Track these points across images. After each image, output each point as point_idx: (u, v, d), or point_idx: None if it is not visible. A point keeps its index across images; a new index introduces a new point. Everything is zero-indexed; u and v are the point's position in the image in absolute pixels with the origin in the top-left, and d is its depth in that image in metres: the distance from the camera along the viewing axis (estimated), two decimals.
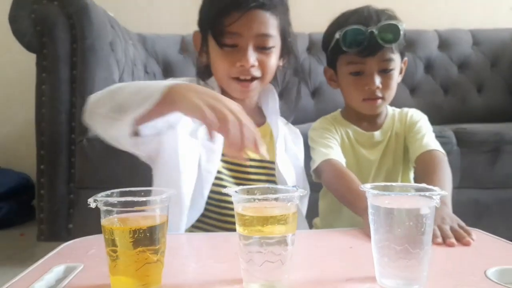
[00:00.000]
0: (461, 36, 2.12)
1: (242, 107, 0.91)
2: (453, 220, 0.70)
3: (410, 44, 1.97)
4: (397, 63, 0.95)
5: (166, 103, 0.63)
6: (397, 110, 1.04)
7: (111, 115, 0.67)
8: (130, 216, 0.48)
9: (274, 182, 0.90)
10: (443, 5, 2.24)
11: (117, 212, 0.48)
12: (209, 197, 0.83)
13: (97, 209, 0.48)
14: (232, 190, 0.50)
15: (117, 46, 1.57)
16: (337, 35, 0.92)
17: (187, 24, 2.22)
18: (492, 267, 0.54)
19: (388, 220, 0.48)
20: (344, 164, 0.92)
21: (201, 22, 0.89)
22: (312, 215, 1.07)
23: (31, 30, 1.39)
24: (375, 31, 0.89)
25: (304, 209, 1.00)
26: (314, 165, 0.93)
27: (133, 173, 1.27)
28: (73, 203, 1.40)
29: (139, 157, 0.79)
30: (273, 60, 0.87)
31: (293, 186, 0.56)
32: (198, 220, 0.84)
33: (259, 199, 0.49)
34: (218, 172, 0.85)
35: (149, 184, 0.57)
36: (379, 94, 0.94)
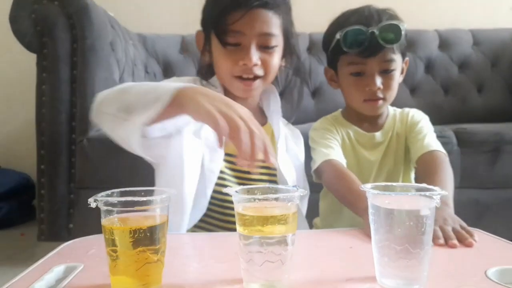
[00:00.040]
0: (461, 36, 2.12)
1: (245, 107, 0.92)
2: (455, 221, 0.69)
3: (410, 44, 1.96)
4: (398, 63, 0.94)
5: (175, 106, 0.62)
6: (398, 110, 1.03)
7: (118, 114, 0.66)
8: (130, 216, 0.48)
9: (275, 182, 0.90)
10: (443, 5, 2.24)
11: (117, 212, 0.48)
12: (211, 197, 0.83)
13: (97, 209, 0.48)
14: (232, 190, 0.50)
15: (117, 46, 1.57)
16: (337, 36, 0.91)
17: (187, 24, 2.22)
18: (493, 267, 0.53)
19: (388, 220, 0.48)
20: (345, 165, 0.91)
21: (204, 21, 0.89)
22: (312, 215, 1.07)
23: (32, 30, 1.39)
24: (376, 31, 0.88)
25: (304, 210, 1.00)
26: (314, 165, 0.93)
27: (133, 173, 1.27)
28: (74, 203, 1.40)
29: (143, 158, 0.78)
30: (276, 59, 0.87)
31: (293, 186, 0.55)
32: (201, 220, 0.84)
33: (259, 199, 0.49)
34: (221, 172, 0.85)
35: (149, 184, 0.56)
36: (380, 95, 0.93)
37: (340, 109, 1.05)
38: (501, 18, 2.23)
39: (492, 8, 2.26)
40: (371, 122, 0.99)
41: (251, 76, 0.85)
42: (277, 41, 0.86)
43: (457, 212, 0.75)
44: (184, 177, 0.79)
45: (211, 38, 0.86)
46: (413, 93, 2.05)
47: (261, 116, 0.97)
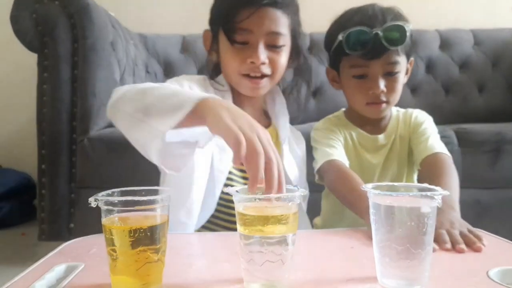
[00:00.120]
0: (462, 36, 2.12)
1: (250, 107, 0.92)
2: (462, 225, 0.68)
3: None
4: (402, 65, 0.91)
5: (195, 116, 0.60)
6: (402, 111, 1.01)
7: (136, 115, 0.65)
8: (131, 216, 0.48)
9: None
10: (444, 5, 2.23)
11: (118, 212, 0.48)
12: (218, 197, 0.83)
13: (98, 208, 0.48)
14: (233, 189, 0.50)
15: (118, 46, 1.57)
16: (340, 37, 0.89)
17: (188, 24, 2.23)
18: (494, 267, 0.53)
19: (389, 220, 0.48)
20: (348, 165, 0.90)
21: (212, 20, 0.89)
22: (312, 215, 1.07)
23: (33, 30, 1.39)
24: (380, 33, 0.85)
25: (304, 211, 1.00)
26: (316, 165, 0.92)
27: (134, 173, 1.27)
28: (74, 203, 1.40)
29: (144, 158, 0.77)
30: (283, 58, 0.87)
31: (294, 186, 0.55)
32: (207, 221, 0.84)
33: (260, 199, 0.49)
34: (229, 172, 0.84)
35: (150, 183, 0.56)
36: (384, 98, 0.91)
37: (343, 109, 1.03)
38: (501, 18, 2.23)
39: (493, 8, 2.25)
40: (374, 124, 0.98)
41: (258, 74, 0.85)
42: (285, 41, 0.86)
43: None
44: (193, 178, 0.79)
45: (219, 37, 0.87)
46: (414, 93, 2.05)
47: (265, 118, 0.97)
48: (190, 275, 0.54)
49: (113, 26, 1.58)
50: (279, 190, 0.54)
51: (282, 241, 0.47)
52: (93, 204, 0.47)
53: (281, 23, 0.84)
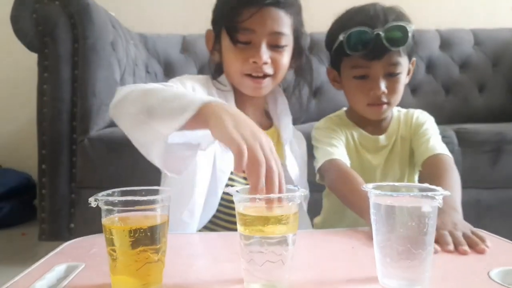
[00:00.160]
0: (462, 36, 2.12)
1: (251, 108, 0.92)
2: (465, 226, 0.67)
3: None
4: (404, 66, 0.90)
5: (199, 120, 0.59)
6: (403, 111, 1.00)
7: (139, 116, 0.65)
8: (131, 216, 0.48)
9: None
10: (444, 5, 2.23)
11: (118, 212, 0.48)
12: (221, 198, 0.83)
13: (98, 208, 0.48)
14: (233, 189, 0.50)
15: (118, 46, 1.57)
16: (340, 37, 0.88)
17: (188, 24, 2.23)
18: (496, 268, 0.53)
19: (390, 220, 0.48)
20: (349, 165, 0.89)
21: (215, 19, 0.89)
22: (313, 215, 1.06)
23: (33, 30, 1.39)
24: (382, 33, 0.84)
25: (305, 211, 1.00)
26: (317, 164, 0.91)
27: (134, 172, 1.27)
28: (75, 203, 1.40)
29: (144, 157, 0.76)
30: (286, 58, 0.87)
31: (294, 186, 0.55)
32: (208, 221, 0.84)
33: (260, 199, 0.49)
34: (231, 172, 0.84)
35: (151, 183, 0.56)
36: (385, 100, 0.90)
37: (344, 108, 1.03)
38: (502, 18, 2.23)
39: (493, 8, 2.25)
40: (375, 124, 0.97)
41: (260, 74, 0.84)
42: (288, 41, 0.86)
43: None
44: (196, 178, 0.79)
45: (221, 37, 0.87)
46: (414, 93, 2.05)
47: (267, 119, 0.97)
48: (190, 275, 0.54)
49: (113, 26, 1.58)
50: (279, 200, 0.53)
51: (283, 241, 0.47)
52: (93, 204, 0.47)
53: (284, 23, 0.84)
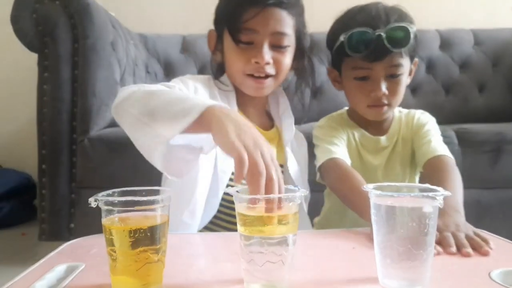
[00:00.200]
0: (462, 36, 2.12)
1: (253, 108, 0.92)
2: (467, 228, 0.66)
3: None
4: (406, 67, 0.89)
5: (201, 124, 0.59)
6: (404, 112, 0.99)
7: (141, 118, 0.64)
8: (131, 216, 0.48)
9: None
10: (444, 5, 2.23)
11: (118, 212, 0.48)
12: (222, 199, 0.83)
13: (98, 208, 0.48)
14: (233, 190, 0.50)
15: (118, 46, 1.57)
16: (341, 38, 0.87)
17: (188, 24, 2.23)
18: (497, 268, 0.53)
19: (390, 221, 0.48)
20: (349, 164, 0.88)
21: (217, 19, 0.89)
22: (313, 215, 1.06)
23: (33, 30, 1.39)
24: (383, 34, 0.83)
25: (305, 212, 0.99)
26: (318, 163, 0.90)
27: (134, 173, 1.27)
28: (75, 203, 1.40)
29: (144, 158, 0.76)
30: (288, 59, 0.87)
31: (295, 186, 0.55)
32: (210, 222, 0.84)
33: (260, 199, 0.49)
34: (232, 173, 0.84)
35: (151, 183, 0.56)
36: (385, 101, 0.89)
37: (346, 108, 1.02)
38: (502, 18, 2.23)
39: (493, 8, 2.25)
40: (376, 125, 0.95)
41: (262, 74, 0.84)
42: (290, 41, 0.86)
43: None
44: (197, 178, 0.79)
45: (224, 37, 0.86)
46: (414, 93, 2.05)
47: (268, 120, 0.97)
48: (191, 275, 0.54)
49: (113, 26, 1.58)
50: (279, 209, 0.53)
51: (283, 242, 0.47)
52: (93, 204, 0.47)
53: (286, 23, 0.84)
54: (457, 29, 2.13)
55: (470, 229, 0.66)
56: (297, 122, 1.01)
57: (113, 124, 1.48)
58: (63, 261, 0.57)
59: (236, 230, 0.50)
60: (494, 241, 0.65)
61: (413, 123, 0.96)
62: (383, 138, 0.96)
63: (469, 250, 0.60)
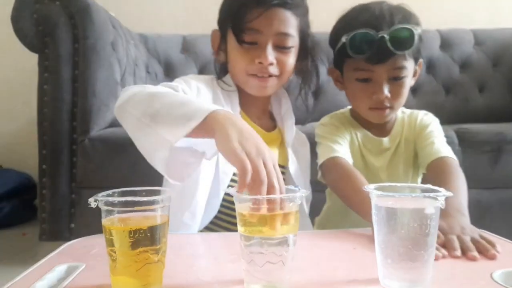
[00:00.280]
0: (463, 36, 2.12)
1: (256, 109, 0.91)
2: (473, 230, 0.65)
3: None
4: (409, 70, 0.87)
5: (204, 129, 0.59)
6: (407, 113, 0.97)
7: (143, 119, 0.64)
8: (131, 216, 0.48)
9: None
10: (445, 5, 2.23)
11: (118, 212, 0.48)
12: (222, 199, 0.83)
13: (99, 208, 0.48)
14: (233, 190, 0.50)
15: (118, 46, 1.57)
16: (343, 39, 0.85)
17: (188, 24, 2.22)
18: (498, 269, 0.53)
19: (391, 221, 0.47)
20: (352, 164, 0.87)
21: (221, 19, 0.89)
22: (315, 215, 1.06)
23: (33, 30, 1.39)
24: (386, 36, 0.80)
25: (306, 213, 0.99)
26: (319, 161, 0.89)
27: (135, 173, 1.27)
28: (75, 203, 1.40)
29: (145, 158, 0.76)
30: (291, 60, 0.86)
31: (295, 187, 0.55)
32: (210, 222, 0.84)
33: (260, 199, 0.49)
34: (233, 174, 0.84)
35: (151, 183, 0.56)
36: (387, 104, 0.87)
37: (349, 107, 0.99)
38: (503, 18, 2.22)
39: (494, 8, 2.25)
40: (378, 126, 0.94)
41: (266, 75, 0.84)
42: (294, 42, 0.85)
43: None
44: (199, 179, 0.79)
45: (227, 37, 0.86)
46: (414, 93, 2.04)
47: (271, 121, 0.97)
48: (190, 276, 0.54)
49: (113, 26, 1.58)
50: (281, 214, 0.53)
51: (283, 242, 0.47)
52: (93, 205, 0.47)
53: (290, 24, 0.83)
54: (458, 29, 2.13)
55: (475, 231, 0.65)
56: (300, 123, 1.01)
57: (113, 124, 1.48)
58: (64, 261, 0.57)
59: (236, 231, 0.50)
60: (496, 242, 0.64)
61: (416, 124, 0.95)
62: (385, 140, 0.94)
63: (475, 253, 0.58)
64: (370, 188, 0.50)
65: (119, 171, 1.35)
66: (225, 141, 0.56)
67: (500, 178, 1.45)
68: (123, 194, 0.50)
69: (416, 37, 0.83)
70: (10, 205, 1.93)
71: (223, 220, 0.85)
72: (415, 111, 0.98)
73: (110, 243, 0.48)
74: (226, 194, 0.82)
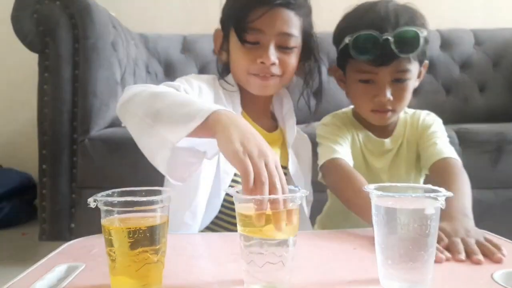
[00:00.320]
0: (463, 35, 2.11)
1: (257, 109, 0.91)
2: (478, 233, 0.63)
3: None
4: (414, 72, 0.86)
5: (206, 129, 0.59)
6: (410, 113, 0.96)
7: (145, 119, 0.64)
8: (130, 216, 0.48)
9: None
10: (445, 5, 2.23)
11: (118, 212, 0.47)
12: (223, 199, 0.83)
13: (99, 208, 0.48)
14: (233, 190, 0.50)
15: (119, 46, 1.57)
16: (346, 40, 0.83)
17: (188, 24, 2.22)
18: (499, 269, 0.53)
19: (391, 222, 0.47)
20: (352, 166, 0.86)
21: (224, 19, 0.89)
22: (316, 214, 1.06)
23: (33, 30, 1.39)
24: (391, 38, 0.79)
25: (306, 214, 0.99)
26: (320, 162, 0.88)
27: (135, 173, 1.27)
28: (75, 203, 1.40)
29: (145, 158, 0.76)
30: (294, 60, 0.86)
31: (295, 187, 0.55)
32: (212, 222, 0.84)
33: (261, 199, 0.49)
34: (234, 174, 0.84)
35: (152, 183, 0.55)
36: (389, 107, 0.86)
37: (351, 106, 0.98)
38: (502, 18, 2.22)
39: (494, 7, 2.25)
40: (380, 127, 0.93)
41: (268, 75, 0.84)
42: (296, 42, 0.85)
43: None
44: (199, 179, 0.79)
45: (230, 36, 0.86)
46: (414, 93, 1.98)
47: (272, 121, 0.97)
48: (190, 276, 0.54)
49: (114, 26, 1.58)
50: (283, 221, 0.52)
51: (283, 243, 0.47)
52: (92, 205, 0.47)
53: (293, 24, 0.83)
54: (458, 29, 2.13)
55: (480, 234, 0.63)
56: (303, 123, 1.00)
57: (113, 124, 1.48)
58: (64, 261, 0.57)
59: (236, 231, 0.50)
60: (496, 241, 0.64)
61: (418, 124, 0.94)
62: (387, 141, 0.93)
63: (480, 257, 0.57)
64: (370, 188, 0.50)
65: (119, 171, 1.35)
66: (227, 142, 0.55)
67: (500, 178, 1.45)
68: (122, 194, 0.50)
69: (421, 40, 0.81)
70: (10, 205, 1.93)
71: (224, 220, 0.85)
72: (418, 111, 0.97)
73: (109, 243, 0.48)
74: (228, 194, 0.81)
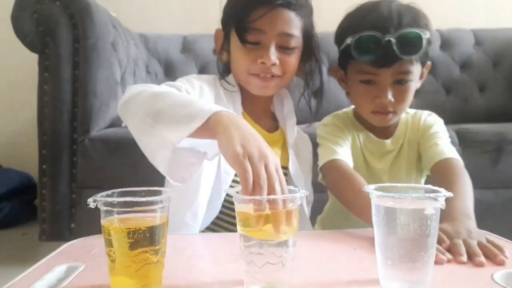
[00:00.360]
0: (463, 36, 2.11)
1: (258, 110, 0.91)
2: (480, 234, 0.62)
3: None
4: (415, 74, 0.85)
5: (207, 130, 0.59)
6: (411, 113, 0.95)
7: (146, 119, 0.64)
8: (130, 217, 0.48)
9: None
10: (445, 5, 2.23)
11: (117, 213, 0.47)
12: (224, 199, 0.83)
13: (99, 209, 0.48)
14: (233, 190, 0.50)
15: (119, 46, 1.57)
16: (348, 41, 0.83)
17: (188, 24, 2.22)
18: (499, 270, 0.53)
19: (391, 222, 0.47)
20: (352, 167, 0.85)
21: (225, 19, 0.89)
22: (317, 214, 1.06)
23: (34, 30, 1.39)
24: (393, 40, 0.78)
25: (307, 215, 0.99)
26: (320, 163, 0.88)
27: (135, 173, 1.27)
28: (75, 203, 1.40)
29: (146, 158, 0.75)
30: (294, 60, 0.86)
31: (295, 187, 0.55)
32: (212, 222, 0.84)
33: (259, 200, 0.49)
34: (235, 174, 0.83)
35: (152, 183, 0.55)
36: (390, 109, 0.85)
37: (352, 107, 0.97)
38: (503, 18, 2.22)
39: (494, 8, 2.25)
40: (381, 128, 0.92)
41: (268, 75, 0.84)
42: (297, 43, 0.85)
43: None
44: (200, 179, 0.79)
45: (231, 36, 0.86)
46: (414, 93, 2.04)
47: (273, 121, 0.97)
48: (190, 277, 0.54)
49: (114, 26, 1.58)
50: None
51: (283, 243, 0.47)
52: (92, 205, 0.47)
53: (294, 24, 0.83)
54: (458, 29, 2.13)
55: (482, 235, 0.63)
56: (305, 123, 1.00)
57: (113, 124, 1.48)
58: (63, 262, 0.57)
59: (236, 231, 0.50)
60: (497, 242, 0.64)
61: (419, 125, 0.93)
62: (388, 142, 0.93)
63: (482, 259, 0.56)
64: (370, 188, 0.50)
65: (119, 171, 1.35)
66: (228, 143, 0.55)
67: (500, 178, 1.45)
68: (122, 194, 0.50)
69: (424, 42, 0.80)
70: (10, 205, 1.93)
71: (225, 220, 0.85)
72: (419, 111, 0.97)
73: (109, 243, 0.47)
74: (227, 194, 0.81)
